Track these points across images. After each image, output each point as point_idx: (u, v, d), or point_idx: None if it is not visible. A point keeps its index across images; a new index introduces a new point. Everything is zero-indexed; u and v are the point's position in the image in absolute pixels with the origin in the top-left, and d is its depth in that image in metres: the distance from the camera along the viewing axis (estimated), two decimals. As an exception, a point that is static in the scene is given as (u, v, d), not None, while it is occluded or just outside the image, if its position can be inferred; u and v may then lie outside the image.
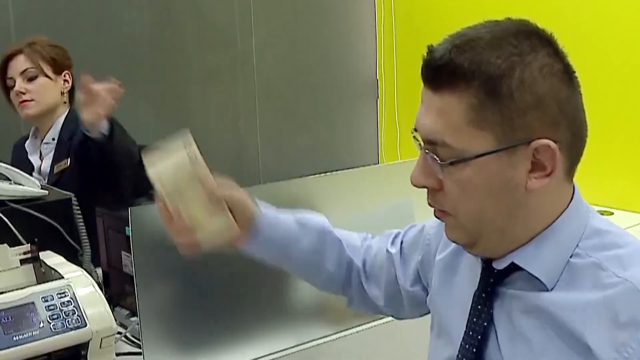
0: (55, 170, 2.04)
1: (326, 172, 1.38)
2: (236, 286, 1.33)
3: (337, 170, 1.40)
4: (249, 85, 3.45)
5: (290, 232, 1.04)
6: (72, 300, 1.11)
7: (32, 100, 2.07)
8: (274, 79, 3.50)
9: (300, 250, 1.05)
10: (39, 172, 2.11)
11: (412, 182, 0.84)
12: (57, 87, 2.12)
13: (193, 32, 3.22)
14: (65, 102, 2.14)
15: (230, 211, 0.96)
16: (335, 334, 1.46)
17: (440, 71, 0.79)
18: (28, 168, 2.10)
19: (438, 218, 0.86)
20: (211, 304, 1.29)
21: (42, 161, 2.14)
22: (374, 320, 1.48)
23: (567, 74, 0.81)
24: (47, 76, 2.08)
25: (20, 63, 2.07)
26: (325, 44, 3.64)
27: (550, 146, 0.79)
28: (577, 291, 0.79)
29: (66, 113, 2.13)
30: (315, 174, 1.38)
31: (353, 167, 1.41)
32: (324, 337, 1.44)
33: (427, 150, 0.82)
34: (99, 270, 1.57)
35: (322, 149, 3.67)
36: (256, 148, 3.56)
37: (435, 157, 0.81)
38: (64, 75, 2.12)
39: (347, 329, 1.46)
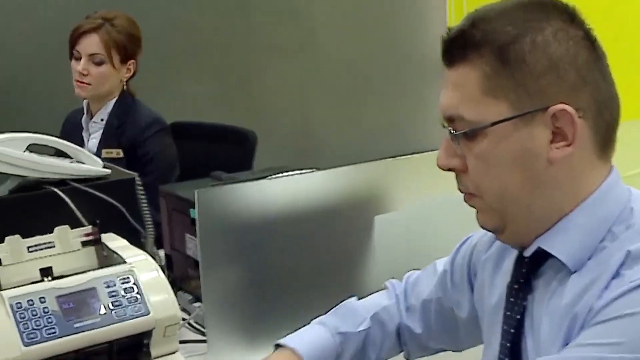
0: (104, 155, 2.06)
1: (394, 156, 1.37)
2: (305, 274, 1.31)
3: (404, 155, 1.39)
4: (315, 63, 3.43)
5: (334, 349, 1.04)
6: (135, 286, 1.09)
7: (89, 84, 2.10)
8: (340, 57, 3.48)
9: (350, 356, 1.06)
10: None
11: (437, 165, 0.85)
12: (118, 76, 2.14)
13: (259, 8, 3.22)
14: (121, 87, 2.16)
15: None
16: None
17: (453, 45, 0.82)
18: (79, 143, 2.07)
19: (467, 202, 0.86)
20: (278, 291, 1.27)
21: (89, 139, 2.17)
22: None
23: (588, 41, 0.80)
24: (112, 65, 2.09)
25: (91, 44, 2.08)
26: (393, 20, 3.59)
27: (568, 110, 0.78)
28: (597, 281, 0.77)
29: (118, 96, 2.15)
30: (381, 158, 1.37)
31: (420, 151, 1.38)
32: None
33: (447, 128, 0.83)
34: (162, 253, 1.56)
35: (389, 129, 3.61)
36: (322, 127, 3.52)
37: (454, 132, 0.82)
38: (129, 64, 2.14)
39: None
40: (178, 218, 1.52)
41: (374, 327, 1.06)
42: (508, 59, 0.78)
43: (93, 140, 2.16)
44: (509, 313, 0.87)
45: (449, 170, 0.85)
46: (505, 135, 0.79)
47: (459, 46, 0.81)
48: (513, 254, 0.90)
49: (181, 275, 1.55)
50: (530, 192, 0.81)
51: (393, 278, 1.17)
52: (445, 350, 1.11)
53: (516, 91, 0.78)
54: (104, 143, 2.12)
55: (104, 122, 2.15)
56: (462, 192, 0.86)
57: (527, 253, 0.85)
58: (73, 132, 2.19)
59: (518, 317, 0.85)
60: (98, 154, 2.05)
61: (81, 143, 2.15)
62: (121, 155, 2.08)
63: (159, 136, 2.13)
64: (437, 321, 1.07)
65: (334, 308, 1.08)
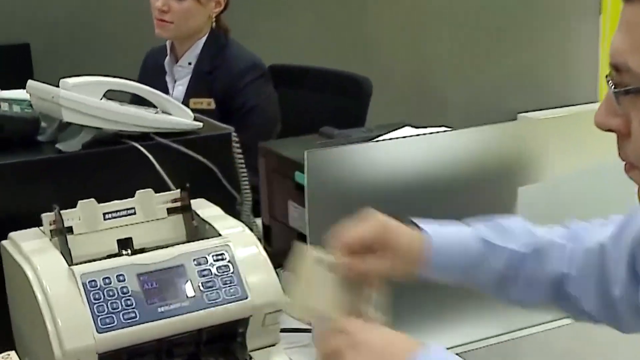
0: (192, 105, 2.01)
1: (530, 110, 1.30)
2: None
3: (546, 109, 1.32)
4: (437, 7, 3.36)
5: (472, 256, 1.03)
6: (230, 265, 1.08)
7: (171, 22, 2.05)
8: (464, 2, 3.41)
9: (487, 272, 1.04)
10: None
11: (595, 123, 0.79)
12: (205, 11, 2.08)
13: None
14: (211, 24, 2.11)
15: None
16: (544, 323, 1.41)
17: None
18: (162, 90, 2.09)
19: (627, 174, 0.81)
20: None
21: (174, 86, 2.12)
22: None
23: None
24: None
25: None
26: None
27: None
28: None
29: (207, 35, 2.10)
30: (512, 120, 1.33)
31: (564, 105, 1.30)
32: (530, 326, 1.40)
33: (609, 81, 0.77)
34: (259, 222, 1.54)
35: (523, 85, 3.52)
36: (443, 76, 3.47)
37: (615, 87, 0.76)
38: None
39: (559, 319, 1.39)
40: (280, 182, 1.51)
41: (531, 256, 1.04)
42: None
43: (179, 88, 2.13)
44: None
45: (609, 130, 0.79)
46: None
47: None
48: None
49: (281, 250, 1.49)
50: None
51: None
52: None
53: None
54: (192, 91, 2.08)
55: (191, 66, 2.11)
56: (622, 161, 0.81)
57: None
58: (154, 76, 2.15)
59: None
60: (185, 103, 1.99)
61: (164, 90, 2.11)
62: (212, 106, 2.04)
63: (259, 84, 2.07)
64: (596, 289, 1.03)
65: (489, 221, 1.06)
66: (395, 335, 0.83)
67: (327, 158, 1.17)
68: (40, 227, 1.11)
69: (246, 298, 1.06)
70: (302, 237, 1.38)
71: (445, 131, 1.34)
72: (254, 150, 1.55)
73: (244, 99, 2.04)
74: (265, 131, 1.99)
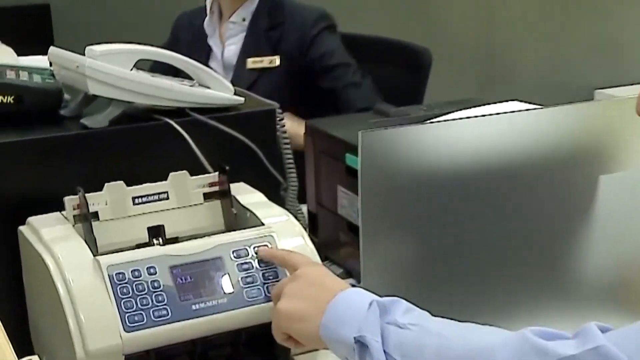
0: (250, 65, 2.04)
1: (609, 87, 1.31)
2: (501, 248, 1.27)
3: (627, 85, 1.32)
4: None
5: None
6: None
7: None
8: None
9: None
10: (222, 62, 2.11)
11: None
12: None
13: None
14: None
15: None
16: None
17: None
18: (203, 55, 2.11)
19: None
20: (462, 271, 1.24)
21: (224, 47, 2.12)
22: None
23: None
24: None
25: None
26: None
27: None
28: None
29: None
30: (589, 98, 1.33)
31: None
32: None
33: None
34: (304, 209, 1.54)
35: (605, 50, 3.47)
36: (512, 47, 3.44)
37: None
38: None
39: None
40: (328, 165, 1.51)
41: None
42: None
43: (231, 48, 2.14)
44: None
45: None
46: None
47: None
48: None
49: (328, 241, 1.55)
50: None
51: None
52: None
53: None
54: (249, 50, 2.09)
55: (246, 22, 2.12)
56: None
57: None
58: (192, 42, 2.18)
59: None
60: (240, 64, 2.04)
61: (206, 54, 2.13)
62: (276, 63, 2.06)
63: (333, 33, 2.10)
64: None
65: None
66: (331, 274, 1.02)
67: (384, 139, 1.16)
68: (63, 212, 1.11)
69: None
70: (352, 228, 1.41)
71: (519, 111, 1.32)
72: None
73: (322, 47, 2.07)
74: (360, 81, 2.04)
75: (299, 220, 1.20)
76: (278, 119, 1.34)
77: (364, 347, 0.89)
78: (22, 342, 1.09)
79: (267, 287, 1.06)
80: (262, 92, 1.48)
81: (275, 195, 1.30)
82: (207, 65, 1.51)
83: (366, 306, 0.92)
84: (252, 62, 2.06)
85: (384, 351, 0.88)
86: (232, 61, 2.10)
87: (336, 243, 1.53)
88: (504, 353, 0.81)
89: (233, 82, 1.36)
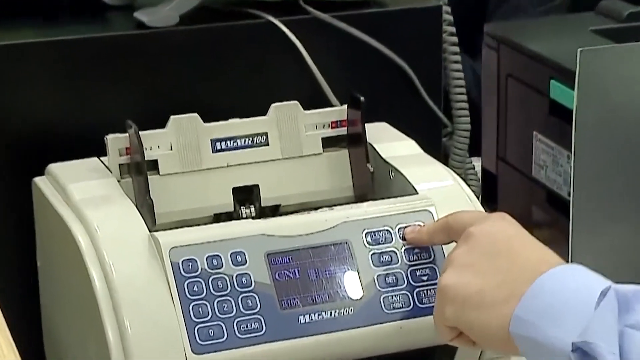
0: None
1: None
2: None
3: None
4: None
5: None
6: (431, 248, 1.08)
7: None
8: None
9: None
10: None
11: None
12: None
13: None
14: None
15: None
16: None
17: None
18: None
19: None
20: None
21: None
22: None
23: None
24: None
25: None
26: None
27: None
28: None
29: None
30: None
31: None
32: None
33: None
34: (477, 165, 1.58)
35: None
36: None
37: None
38: None
39: None
40: (519, 98, 1.51)
41: None
42: None
43: None
44: None
45: None
46: None
47: None
48: None
49: (514, 217, 1.52)
50: None
51: None
52: None
53: None
54: None
55: None
56: None
57: None
58: None
59: None
60: None
61: None
62: None
63: None
64: None
65: None
66: (527, 234, 1.02)
67: (616, 60, 1.17)
68: (103, 159, 1.13)
69: (458, 308, 1.06)
70: (555, 199, 1.41)
71: None
72: None
73: None
74: None
75: (469, 184, 1.22)
76: (445, 22, 1.36)
77: None
78: (30, 350, 1.07)
79: (418, 293, 1.05)
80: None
81: (434, 144, 1.33)
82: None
83: (595, 296, 0.87)
84: None
85: None
86: None
87: (526, 221, 1.43)
88: None
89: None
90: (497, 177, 1.57)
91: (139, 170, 1.08)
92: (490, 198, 1.58)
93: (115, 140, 1.09)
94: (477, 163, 1.57)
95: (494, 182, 1.58)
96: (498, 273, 0.94)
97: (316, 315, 1.01)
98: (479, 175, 1.57)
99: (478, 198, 1.24)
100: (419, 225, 1.08)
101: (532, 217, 1.50)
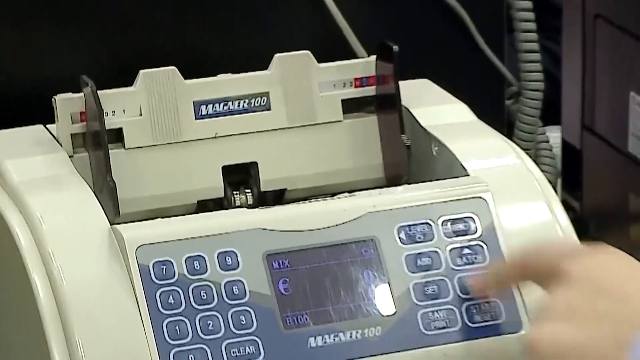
0: None
1: None
2: None
3: None
4: None
5: None
6: (483, 245, 1.09)
7: None
8: None
9: None
10: None
11: None
12: None
13: None
14: None
15: None
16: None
17: None
18: None
19: None
20: None
21: None
22: None
23: None
24: None
25: None
26: None
27: None
28: None
29: None
30: None
31: None
32: None
33: None
34: (553, 138, 1.61)
35: None
36: None
37: None
38: None
39: None
40: (613, 49, 1.56)
41: None
42: None
43: None
44: None
45: None
46: None
47: None
48: None
49: (603, 206, 1.64)
50: None
51: None
52: None
53: None
54: None
55: None
56: None
57: None
58: None
59: None
60: None
61: None
62: None
63: None
64: None
65: None
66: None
67: None
68: (49, 126, 1.14)
69: (519, 329, 1.06)
70: None
71: None
72: None
73: None
74: None
75: (541, 163, 1.33)
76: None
77: None
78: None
79: (468, 308, 1.05)
80: None
81: (494, 108, 1.38)
82: None
83: None
84: None
85: None
86: None
87: (620, 211, 1.57)
88: None
89: None
90: (581, 153, 1.64)
91: (97, 143, 1.07)
92: (571, 182, 1.65)
93: (65, 102, 1.09)
94: (553, 134, 1.61)
95: (577, 160, 1.64)
96: (606, 321, 0.94)
97: (331, 337, 1.01)
98: (556, 151, 1.60)
99: (554, 182, 1.25)
100: (472, 224, 1.08)
101: (628, 206, 1.55)
